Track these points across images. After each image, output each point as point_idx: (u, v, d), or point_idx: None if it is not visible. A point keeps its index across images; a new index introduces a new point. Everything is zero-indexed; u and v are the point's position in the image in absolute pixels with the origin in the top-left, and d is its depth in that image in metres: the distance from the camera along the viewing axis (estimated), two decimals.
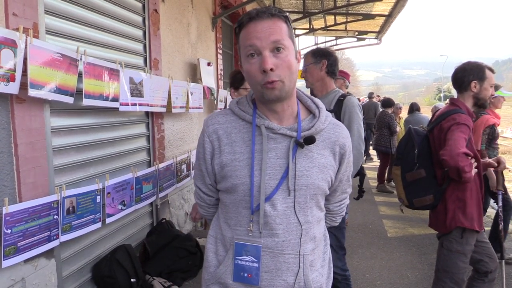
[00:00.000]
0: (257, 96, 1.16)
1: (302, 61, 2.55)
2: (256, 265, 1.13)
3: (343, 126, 1.26)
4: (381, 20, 8.99)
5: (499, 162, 2.40)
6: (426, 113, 7.81)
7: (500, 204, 2.84)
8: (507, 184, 4.71)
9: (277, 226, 1.12)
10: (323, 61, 2.56)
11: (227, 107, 1.27)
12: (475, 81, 2.31)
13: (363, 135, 2.42)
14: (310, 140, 1.13)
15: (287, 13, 1.14)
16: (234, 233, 1.16)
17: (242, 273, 1.14)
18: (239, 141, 1.17)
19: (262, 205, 1.11)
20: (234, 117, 1.21)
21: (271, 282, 1.13)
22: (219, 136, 1.19)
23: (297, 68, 1.15)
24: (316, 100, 1.25)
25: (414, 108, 7.24)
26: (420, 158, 2.33)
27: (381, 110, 7.60)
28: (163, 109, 3.48)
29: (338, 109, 2.44)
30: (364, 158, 3.21)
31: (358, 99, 12.49)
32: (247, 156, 1.14)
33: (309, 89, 2.80)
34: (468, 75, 2.32)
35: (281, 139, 1.14)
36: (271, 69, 1.06)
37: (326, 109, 1.27)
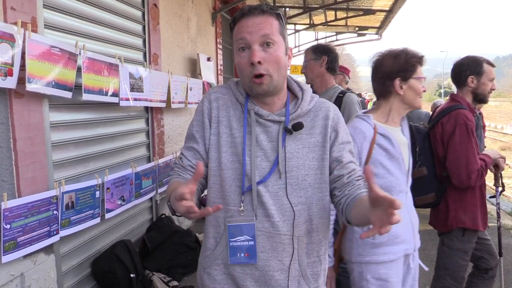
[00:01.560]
0: (247, 89, 1.19)
1: (302, 57, 2.53)
2: (251, 243, 1.14)
3: (330, 102, 1.28)
4: (381, 16, 8.95)
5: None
6: (426, 109, 7.78)
7: (498, 201, 2.83)
8: (506, 181, 4.69)
9: (271, 207, 1.14)
10: (323, 57, 2.56)
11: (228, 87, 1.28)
12: (472, 76, 2.26)
13: None
14: (298, 126, 1.16)
15: (280, 11, 1.18)
16: (225, 214, 1.16)
17: (238, 254, 1.15)
18: (234, 117, 1.20)
19: (254, 186, 1.13)
20: (232, 93, 1.24)
21: (267, 262, 1.15)
22: (219, 105, 1.22)
23: (287, 64, 1.18)
24: (302, 84, 1.27)
25: None
26: (421, 156, 2.30)
27: None
28: (163, 104, 3.46)
29: (337, 106, 2.45)
30: None
31: (359, 94, 12.43)
32: (240, 135, 1.18)
33: (309, 85, 2.81)
34: (465, 70, 2.27)
35: (271, 124, 1.18)
36: (259, 62, 1.10)
37: None
